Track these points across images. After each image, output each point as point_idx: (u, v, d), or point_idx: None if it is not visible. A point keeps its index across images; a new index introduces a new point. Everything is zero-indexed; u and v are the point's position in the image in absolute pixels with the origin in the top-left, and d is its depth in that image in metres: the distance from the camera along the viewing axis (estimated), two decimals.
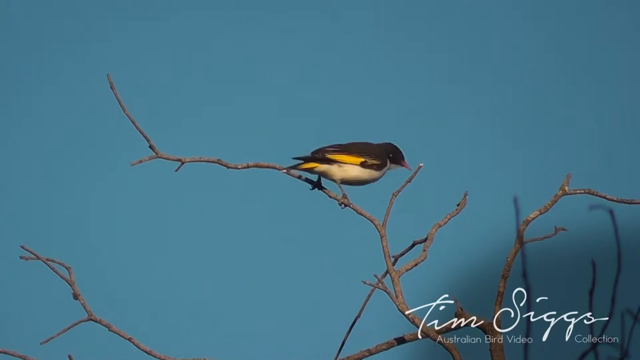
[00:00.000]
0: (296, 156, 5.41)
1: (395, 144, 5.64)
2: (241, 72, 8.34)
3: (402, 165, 5.62)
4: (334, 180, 5.49)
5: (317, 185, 5.46)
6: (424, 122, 8.07)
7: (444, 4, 8.47)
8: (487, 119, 8.09)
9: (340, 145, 5.54)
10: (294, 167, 5.45)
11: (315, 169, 5.45)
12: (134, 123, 5.24)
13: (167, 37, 8.35)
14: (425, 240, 5.48)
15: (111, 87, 5.24)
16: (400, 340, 5.18)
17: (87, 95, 8.15)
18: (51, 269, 5.22)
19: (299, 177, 5.46)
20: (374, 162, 5.57)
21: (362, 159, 5.54)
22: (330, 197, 5.46)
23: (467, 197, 5.54)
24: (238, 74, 8.34)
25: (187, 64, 8.33)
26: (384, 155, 5.59)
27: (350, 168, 5.53)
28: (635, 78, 8.19)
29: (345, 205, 5.42)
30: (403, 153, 5.63)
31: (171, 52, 8.33)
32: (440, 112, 8.17)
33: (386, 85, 8.32)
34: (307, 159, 5.43)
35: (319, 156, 5.43)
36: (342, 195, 5.46)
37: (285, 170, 5.43)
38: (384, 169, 5.58)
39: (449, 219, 5.53)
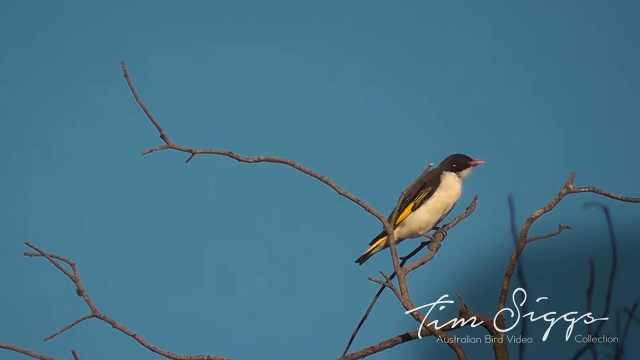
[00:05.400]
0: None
1: (456, 153, 5.66)
2: (251, 67, 8.35)
3: (472, 165, 5.64)
4: (415, 235, 5.57)
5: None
6: (428, 122, 8.08)
7: (444, 5, 8.48)
8: (488, 118, 8.10)
9: (402, 202, 5.52)
10: (365, 256, 5.53)
11: (384, 243, 5.50)
12: (146, 112, 5.18)
13: (180, 31, 8.35)
14: (432, 241, 5.52)
15: (125, 75, 5.19)
16: (405, 337, 5.18)
17: (94, 86, 8.16)
18: (55, 265, 5.21)
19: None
20: (422, 196, 5.59)
21: (411, 204, 5.58)
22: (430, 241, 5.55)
23: (476, 201, 5.58)
24: (247, 68, 8.35)
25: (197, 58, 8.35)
26: (435, 178, 5.60)
27: (409, 220, 5.57)
28: (636, 77, 8.19)
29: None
30: (468, 155, 5.65)
31: (184, 46, 8.34)
32: (442, 111, 8.17)
33: (387, 86, 8.32)
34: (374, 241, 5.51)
35: (395, 216, 5.42)
36: (430, 240, 5.54)
37: (359, 263, 5.54)
38: (442, 187, 5.57)
39: (458, 222, 5.58)
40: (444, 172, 5.61)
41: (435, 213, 5.56)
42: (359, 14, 8.45)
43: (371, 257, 5.59)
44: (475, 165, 5.63)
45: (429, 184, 5.59)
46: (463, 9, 8.43)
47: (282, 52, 8.37)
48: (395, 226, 5.51)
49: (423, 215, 5.56)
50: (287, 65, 8.36)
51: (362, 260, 5.57)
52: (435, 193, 5.58)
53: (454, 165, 5.62)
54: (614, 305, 4.22)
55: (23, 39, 8.37)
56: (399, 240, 5.54)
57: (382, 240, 5.52)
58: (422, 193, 5.58)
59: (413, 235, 5.57)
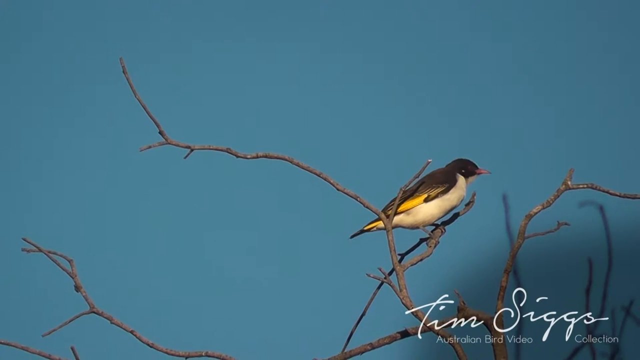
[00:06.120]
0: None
1: (464, 158, 5.67)
2: (250, 64, 8.36)
3: (479, 173, 5.65)
4: (415, 227, 5.56)
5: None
6: (426, 119, 8.08)
7: (444, 5, 8.50)
8: (486, 115, 8.10)
9: (404, 191, 5.51)
10: (360, 232, 5.51)
11: (380, 227, 5.48)
12: (144, 108, 5.19)
13: (179, 28, 8.36)
14: (431, 238, 5.52)
15: (123, 72, 5.20)
16: (404, 334, 5.19)
17: (92, 83, 8.16)
18: (53, 261, 5.21)
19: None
20: (438, 190, 5.58)
21: (425, 195, 5.57)
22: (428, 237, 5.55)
23: (475, 197, 5.59)
24: (247, 65, 8.36)
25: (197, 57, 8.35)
26: (452, 176, 5.61)
27: (417, 211, 5.56)
28: (634, 74, 8.20)
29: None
30: (475, 162, 5.66)
31: (184, 43, 8.34)
32: (440, 109, 8.18)
33: (386, 84, 8.33)
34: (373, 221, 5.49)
35: (394, 212, 5.40)
36: (428, 236, 5.54)
37: (352, 237, 5.52)
38: (457, 187, 5.59)
39: (456, 218, 5.60)
40: (457, 174, 5.62)
41: (443, 210, 5.57)
42: (359, 13, 8.45)
43: (364, 233, 5.57)
44: (480, 174, 5.65)
45: (444, 180, 5.59)
46: (463, 9, 8.44)
47: (280, 50, 8.38)
48: (398, 213, 5.51)
49: (432, 209, 5.56)
50: (285, 62, 8.36)
51: (354, 235, 5.56)
52: (451, 191, 5.58)
53: (463, 171, 5.63)
54: (611, 302, 4.23)
55: (21, 38, 8.37)
56: (396, 226, 5.52)
57: (378, 223, 5.50)
58: (438, 187, 5.58)
59: (414, 226, 5.56)
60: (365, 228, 5.52)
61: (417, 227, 5.57)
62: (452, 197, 5.58)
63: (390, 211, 5.38)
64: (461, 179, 5.62)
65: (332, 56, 8.38)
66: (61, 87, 8.22)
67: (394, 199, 5.42)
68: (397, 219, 5.52)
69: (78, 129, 8.15)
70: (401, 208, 5.54)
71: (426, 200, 5.57)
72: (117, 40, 8.24)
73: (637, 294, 4.38)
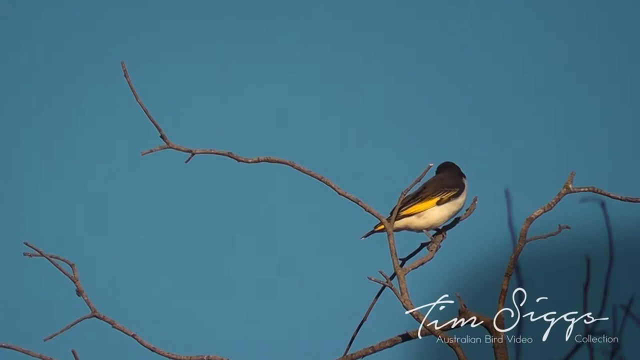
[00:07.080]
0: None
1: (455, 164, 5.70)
2: (252, 66, 8.36)
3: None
4: (421, 230, 5.55)
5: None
6: (427, 121, 8.09)
7: (444, 5, 8.51)
8: (487, 118, 8.10)
9: (414, 194, 5.53)
10: (371, 232, 5.48)
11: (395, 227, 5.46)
12: (146, 112, 5.19)
13: (180, 32, 8.36)
14: (432, 242, 5.52)
15: (125, 75, 5.20)
16: (405, 337, 5.19)
17: (94, 86, 8.16)
18: (55, 265, 5.22)
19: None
20: (451, 193, 5.58)
21: (437, 198, 5.56)
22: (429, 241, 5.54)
23: (476, 202, 5.59)
24: (249, 67, 8.36)
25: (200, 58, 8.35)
26: (460, 180, 5.62)
27: (429, 213, 5.55)
28: (636, 76, 8.20)
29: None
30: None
31: (186, 46, 8.35)
32: (442, 111, 8.18)
33: (387, 86, 8.33)
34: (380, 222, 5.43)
35: (394, 216, 5.39)
36: (430, 240, 5.52)
37: (363, 238, 5.49)
38: (465, 192, 5.59)
39: (458, 223, 5.59)
40: (463, 178, 5.64)
41: (452, 214, 5.58)
42: (358, 14, 8.46)
43: (371, 236, 5.56)
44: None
45: (455, 184, 5.59)
46: (463, 8, 8.44)
47: (282, 52, 8.38)
48: (409, 215, 5.51)
49: (443, 212, 5.56)
50: (287, 65, 8.36)
51: (366, 235, 5.55)
52: (461, 195, 5.59)
53: (465, 176, 5.66)
54: (611, 301, 4.23)
55: (22, 39, 8.37)
56: (404, 228, 5.52)
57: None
58: (450, 191, 5.58)
59: (424, 228, 5.55)
60: (377, 229, 5.51)
61: (421, 231, 5.56)
62: (462, 202, 5.59)
63: (388, 223, 5.38)
64: (466, 184, 5.63)
65: (332, 57, 8.39)
66: (62, 90, 8.22)
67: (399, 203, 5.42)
68: (407, 221, 5.52)
69: (80, 133, 8.15)
70: (412, 210, 5.54)
71: (438, 204, 5.56)
72: (119, 43, 8.25)
73: (638, 293, 4.38)
